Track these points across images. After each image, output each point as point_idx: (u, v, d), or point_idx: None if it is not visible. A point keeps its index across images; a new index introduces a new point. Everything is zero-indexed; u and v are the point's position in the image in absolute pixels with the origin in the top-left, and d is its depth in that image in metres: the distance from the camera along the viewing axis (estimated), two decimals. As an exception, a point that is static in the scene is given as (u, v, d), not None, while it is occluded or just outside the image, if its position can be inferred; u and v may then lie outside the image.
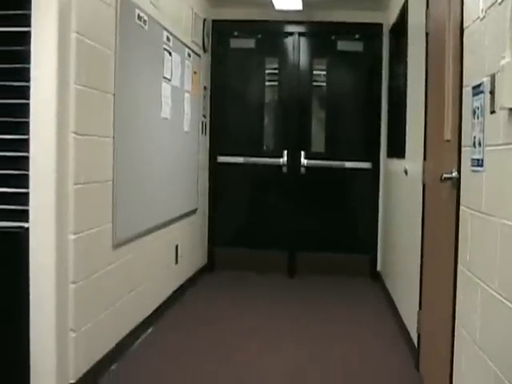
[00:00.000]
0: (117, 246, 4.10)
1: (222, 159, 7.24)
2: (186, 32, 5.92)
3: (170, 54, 5.22)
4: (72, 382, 3.50)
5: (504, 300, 2.28)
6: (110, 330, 4.08)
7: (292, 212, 7.23)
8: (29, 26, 3.21)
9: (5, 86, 3.29)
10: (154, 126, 4.89)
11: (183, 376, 4.02)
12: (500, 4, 2.39)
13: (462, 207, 2.98)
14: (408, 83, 5.21)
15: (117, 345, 4.17)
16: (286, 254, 7.23)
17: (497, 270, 2.39)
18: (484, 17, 2.63)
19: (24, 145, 3.24)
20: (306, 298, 6.18)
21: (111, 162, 3.97)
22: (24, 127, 3.23)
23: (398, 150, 5.63)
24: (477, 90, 2.71)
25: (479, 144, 2.66)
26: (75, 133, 3.41)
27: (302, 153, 7.15)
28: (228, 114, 7.36)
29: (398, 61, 6.08)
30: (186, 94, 5.87)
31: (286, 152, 7.18)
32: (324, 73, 7.38)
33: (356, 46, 7.24)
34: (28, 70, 3.22)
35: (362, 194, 7.21)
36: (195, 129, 6.35)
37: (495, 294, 2.39)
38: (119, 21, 4.01)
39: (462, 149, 3.00)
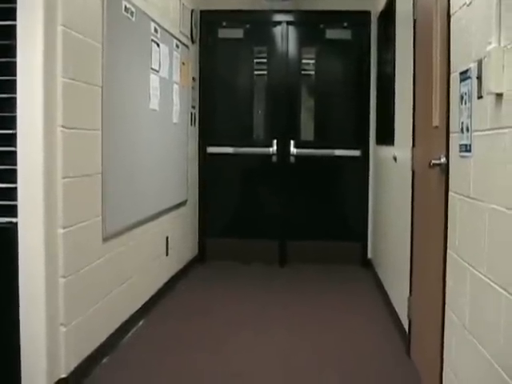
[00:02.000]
0: (107, 239, 4.09)
1: (211, 150, 7.24)
2: (174, 23, 5.90)
3: (158, 45, 5.20)
4: (63, 376, 3.49)
5: (492, 284, 2.29)
6: (101, 324, 4.07)
7: (282, 201, 7.24)
8: (14, 19, 3.19)
9: (-10, 80, 3.28)
10: (143, 117, 4.87)
11: (176, 367, 4.02)
12: (486, -10, 2.40)
13: (450, 193, 2.99)
14: (396, 70, 5.22)
15: (108, 338, 4.16)
16: (277, 243, 7.24)
17: (485, 254, 2.41)
18: (470, 3, 2.64)
19: (11, 139, 3.22)
20: (297, 286, 6.19)
21: (100, 154, 3.95)
22: (11, 122, 3.21)
23: (387, 137, 5.64)
24: (464, 75, 2.71)
25: (467, 129, 2.67)
26: (63, 126, 3.39)
27: (292, 142, 7.15)
28: (217, 105, 7.35)
29: (386, 48, 6.08)
30: (175, 85, 5.86)
31: (275, 141, 7.17)
32: (313, 61, 7.37)
33: (344, 34, 7.23)
34: (14, 64, 3.19)
35: (352, 182, 7.22)
36: (184, 120, 6.34)
37: (484, 278, 2.40)
38: (106, 13, 3.98)
39: (450, 135, 3.01)
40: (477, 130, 2.54)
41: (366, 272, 6.82)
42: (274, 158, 7.19)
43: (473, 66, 2.56)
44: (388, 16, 5.74)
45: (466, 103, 2.69)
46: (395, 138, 5.18)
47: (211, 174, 7.27)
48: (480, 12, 2.50)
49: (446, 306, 3.05)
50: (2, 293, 3.28)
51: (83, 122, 3.70)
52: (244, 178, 7.38)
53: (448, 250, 3.03)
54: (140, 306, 4.90)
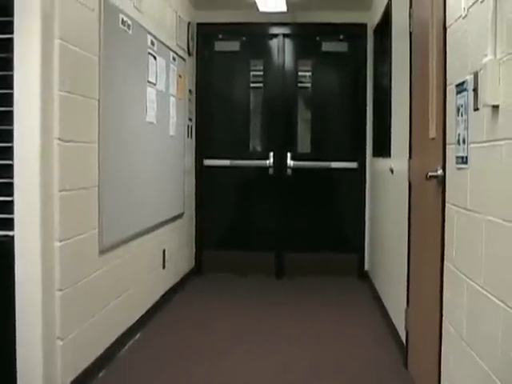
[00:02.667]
0: (103, 251, 4.08)
1: (208, 162, 7.24)
2: (171, 36, 5.92)
3: (155, 58, 5.21)
4: (60, 389, 3.48)
5: (490, 296, 2.29)
6: (98, 337, 4.06)
7: (279, 213, 7.23)
8: (11, 32, 3.19)
9: (-12, 93, 3.28)
10: (140, 130, 4.88)
11: (173, 380, 4.00)
12: (482, 2, 2.41)
13: (447, 204, 2.99)
14: (392, 82, 5.23)
15: (105, 351, 4.14)
16: (274, 255, 7.23)
17: (482, 266, 2.41)
18: (466, 15, 2.65)
19: (8, 152, 3.21)
20: (294, 298, 6.18)
21: (96, 167, 3.95)
22: (8, 135, 3.21)
23: (383, 149, 5.65)
24: (460, 87, 2.72)
25: (463, 141, 2.68)
26: (59, 139, 3.39)
27: (289, 154, 7.15)
28: (214, 117, 7.35)
29: (382, 60, 6.10)
30: (172, 98, 5.87)
31: (272, 154, 7.17)
32: (309, 74, 7.39)
33: (340, 47, 7.25)
34: (11, 77, 3.19)
35: (349, 194, 7.22)
36: (181, 132, 6.34)
37: (481, 289, 2.40)
38: (103, 26, 3.99)
39: (447, 146, 3.01)
40: (473, 142, 2.55)
41: (362, 283, 6.81)
42: (271, 171, 7.19)
43: (469, 78, 2.57)
44: (384, 28, 5.76)
45: (462, 115, 2.70)
46: (392, 150, 5.18)
47: (208, 187, 7.27)
48: (476, 24, 2.51)
49: (444, 317, 3.04)
50: (-2, 306, 3.27)
51: (80, 134, 3.70)
52: (241, 190, 7.38)
53: (445, 262, 3.03)
54: (137, 318, 4.89)
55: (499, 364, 2.20)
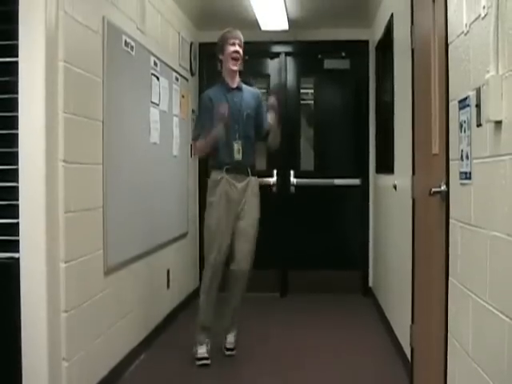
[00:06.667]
0: (108, 272, 4.08)
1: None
2: (173, 56, 5.95)
3: (158, 78, 5.24)
4: (66, 411, 3.47)
5: (495, 311, 2.28)
6: (103, 358, 4.04)
7: (283, 231, 7.21)
8: (16, 56, 3.21)
9: (-7, 116, 3.29)
10: (143, 151, 4.89)
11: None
12: (483, 19, 2.42)
13: (451, 220, 2.99)
14: (395, 99, 5.24)
15: (110, 372, 4.12)
16: (278, 273, 7.21)
17: (487, 281, 2.40)
18: (468, 31, 2.66)
19: (13, 174, 3.23)
20: (298, 317, 6.15)
21: (101, 188, 3.96)
22: (13, 157, 3.22)
23: (386, 165, 5.65)
24: (463, 103, 2.73)
25: (467, 157, 2.68)
26: (64, 161, 3.40)
27: (292, 172, 7.16)
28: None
29: (384, 77, 6.12)
30: (175, 118, 5.88)
31: (275, 171, 7.19)
32: (312, 91, 7.42)
33: (343, 64, 7.27)
34: (16, 99, 3.21)
35: (353, 211, 7.22)
36: (184, 152, 6.35)
37: (486, 305, 2.39)
38: (106, 48, 4.01)
39: (450, 162, 3.01)
40: (476, 158, 2.55)
41: (367, 300, 6.79)
42: (274, 189, 7.19)
43: (471, 94, 2.58)
44: (386, 45, 5.79)
45: (465, 131, 2.70)
46: (395, 167, 5.19)
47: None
48: (477, 40, 2.52)
49: (449, 333, 3.03)
50: (3, 327, 3.27)
51: (84, 156, 3.71)
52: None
53: (450, 278, 3.02)
54: (142, 339, 4.87)
55: (506, 380, 2.19)
